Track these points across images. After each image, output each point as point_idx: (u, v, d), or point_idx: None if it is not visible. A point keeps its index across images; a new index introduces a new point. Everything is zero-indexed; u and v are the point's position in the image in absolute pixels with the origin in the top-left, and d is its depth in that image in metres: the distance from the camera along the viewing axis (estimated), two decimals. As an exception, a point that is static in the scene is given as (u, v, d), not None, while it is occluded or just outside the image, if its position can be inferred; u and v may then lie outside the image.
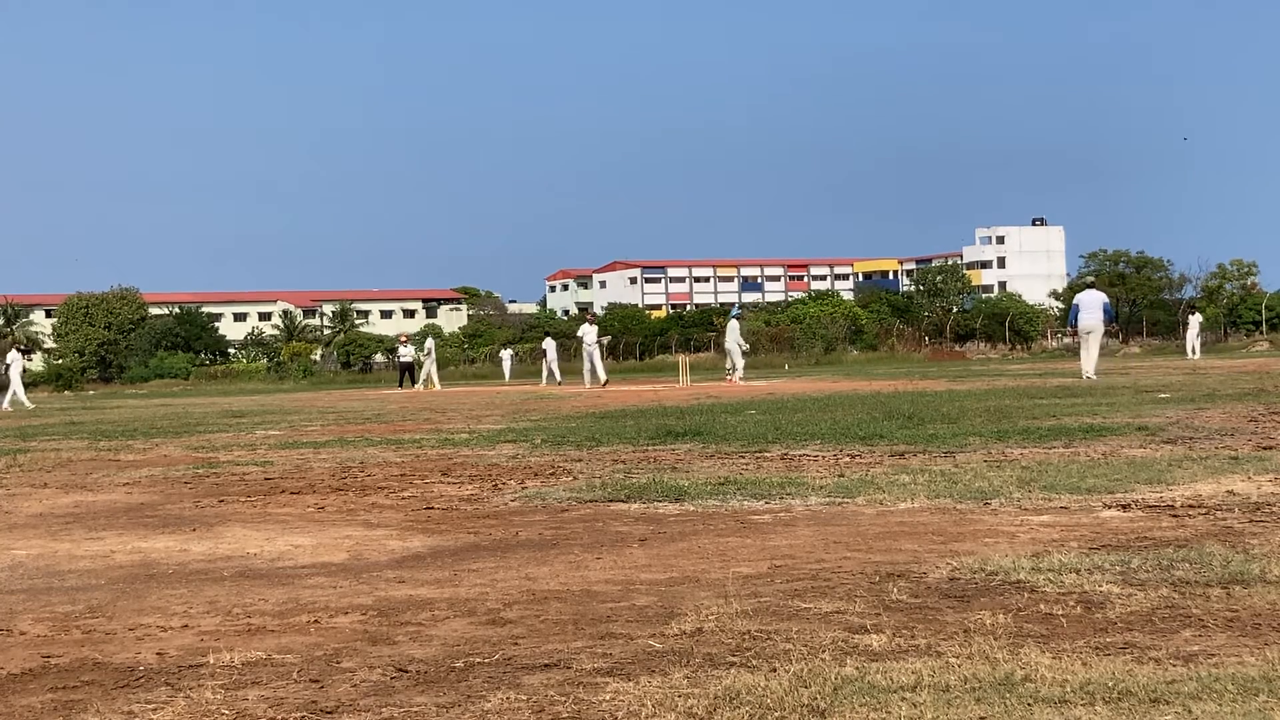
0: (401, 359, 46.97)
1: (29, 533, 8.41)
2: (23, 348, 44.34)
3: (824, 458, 11.14)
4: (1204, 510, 7.34)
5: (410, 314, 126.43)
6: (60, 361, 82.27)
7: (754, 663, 4.35)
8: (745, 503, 8.40)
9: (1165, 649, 4.37)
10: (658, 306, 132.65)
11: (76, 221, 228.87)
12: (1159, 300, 76.62)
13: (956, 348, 70.68)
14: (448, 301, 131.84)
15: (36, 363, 75.75)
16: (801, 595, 5.43)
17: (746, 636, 4.72)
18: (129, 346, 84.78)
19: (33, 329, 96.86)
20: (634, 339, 77.92)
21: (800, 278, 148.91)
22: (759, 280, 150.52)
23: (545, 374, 42.90)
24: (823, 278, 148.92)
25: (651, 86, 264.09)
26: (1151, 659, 4.24)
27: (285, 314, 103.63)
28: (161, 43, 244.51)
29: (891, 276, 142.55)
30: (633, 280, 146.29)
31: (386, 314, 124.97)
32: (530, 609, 5.38)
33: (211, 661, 4.66)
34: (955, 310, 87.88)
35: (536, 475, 10.68)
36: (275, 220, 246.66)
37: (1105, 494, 8.10)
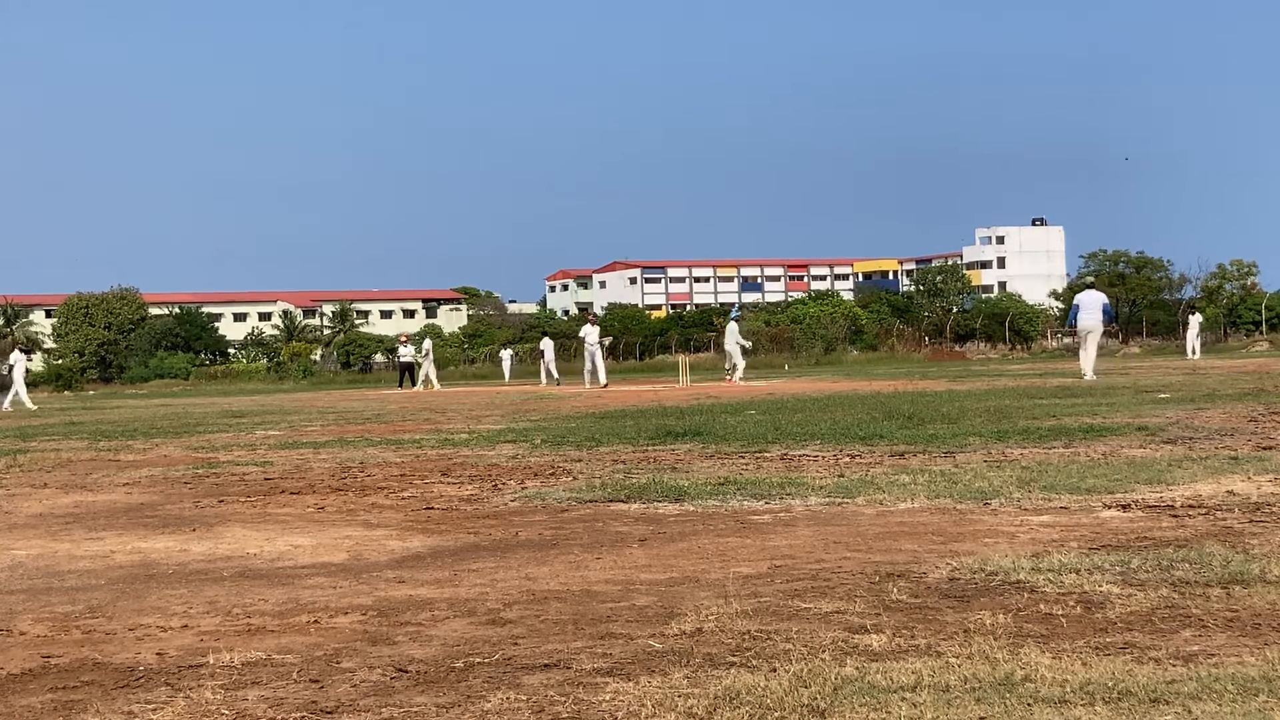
0: (401, 359, 46.95)
1: (29, 533, 8.41)
2: (25, 348, 44.35)
3: (824, 458, 11.14)
4: (1204, 510, 7.34)
5: (410, 314, 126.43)
6: (60, 361, 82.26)
7: (754, 663, 4.35)
8: (745, 503, 8.40)
9: (1165, 649, 4.37)
10: (658, 306, 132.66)
11: (76, 221, 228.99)
12: (1159, 300, 76.61)
13: (956, 348, 70.69)
14: (448, 301, 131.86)
15: (36, 363, 75.73)
16: (801, 595, 5.43)
17: (746, 636, 4.72)
18: (129, 346, 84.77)
19: (33, 329, 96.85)
20: (634, 339, 77.93)
21: (800, 278, 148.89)
22: (759, 280, 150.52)
23: (544, 374, 42.90)
24: (823, 278, 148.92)
25: (652, 87, 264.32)
26: (1151, 659, 4.24)
27: (285, 314, 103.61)
28: (161, 43, 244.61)
29: (891, 276, 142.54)
30: (633, 280, 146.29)
31: (386, 314, 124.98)
32: (530, 609, 5.38)
33: (211, 661, 4.66)
34: (955, 310, 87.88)
35: (536, 475, 10.68)
36: (275, 220, 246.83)
37: (1105, 494, 8.10)
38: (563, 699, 4.03)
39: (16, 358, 37.94)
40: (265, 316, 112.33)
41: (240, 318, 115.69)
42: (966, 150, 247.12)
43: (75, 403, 43.14)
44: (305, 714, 4.01)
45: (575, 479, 10.22)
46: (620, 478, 10.04)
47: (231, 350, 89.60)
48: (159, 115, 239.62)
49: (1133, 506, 7.60)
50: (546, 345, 44.66)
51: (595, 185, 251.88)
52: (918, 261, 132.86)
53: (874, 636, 4.65)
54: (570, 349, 63.35)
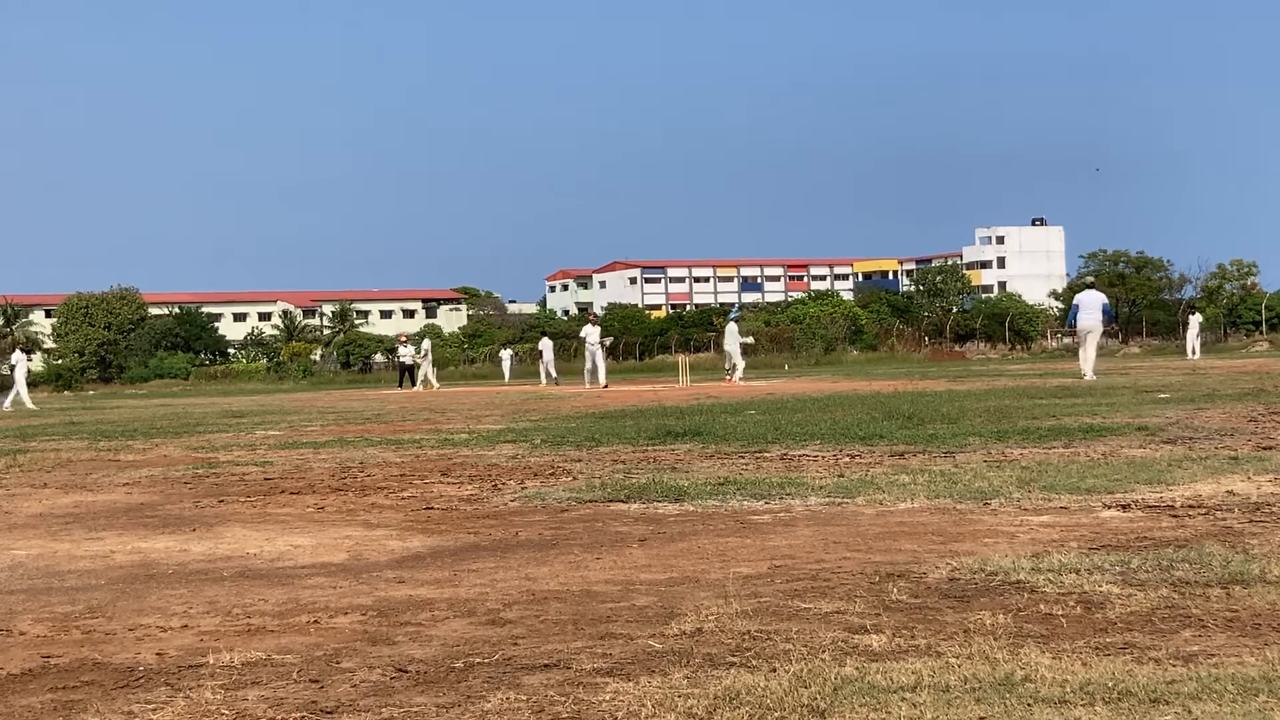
0: (401, 359, 46.95)
1: (29, 533, 8.41)
2: (26, 348, 44.37)
3: (824, 458, 11.14)
4: (1204, 510, 7.34)
5: (410, 314, 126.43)
6: (60, 361, 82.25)
7: (754, 663, 4.35)
8: (745, 503, 8.40)
9: (1165, 649, 4.37)
10: (658, 306, 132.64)
11: (76, 221, 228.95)
12: (1159, 300, 76.60)
13: (956, 348, 70.69)
14: (448, 301, 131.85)
15: (36, 363, 75.73)
16: (801, 595, 5.43)
17: (746, 636, 4.72)
18: (129, 346, 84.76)
19: (33, 329, 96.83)
20: (634, 339, 77.93)
21: (800, 278, 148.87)
22: (759, 280, 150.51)
23: (542, 374, 42.91)
24: (823, 278, 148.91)
25: (651, 87, 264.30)
26: (1151, 659, 4.24)
27: (285, 314, 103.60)
28: (161, 43, 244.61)
29: (891, 276, 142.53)
30: (633, 280, 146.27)
31: (386, 314, 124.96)
32: (530, 609, 5.38)
33: (211, 661, 4.66)
34: (955, 310, 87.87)
35: (536, 475, 10.68)
36: (275, 220, 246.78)
37: (1105, 494, 8.10)
38: (563, 699, 4.03)
39: (18, 358, 37.96)
40: (265, 316, 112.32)
41: (240, 318, 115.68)
42: (966, 150, 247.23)
43: (75, 403, 43.15)
44: (305, 714, 4.01)
45: (575, 479, 10.22)
46: (620, 478, 10.04)
47: (231, 350, 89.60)
48: (159, 115, 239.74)
49: (1133, 506, 7.60)
50: (545, 345, 44.65)
51: (595, 185, 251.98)
52: (918, 261, 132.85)
53: (874, 636, 4.65)
54: (570, 349, 63.37)
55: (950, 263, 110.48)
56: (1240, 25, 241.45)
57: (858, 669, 4.20)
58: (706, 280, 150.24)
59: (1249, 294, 73.92)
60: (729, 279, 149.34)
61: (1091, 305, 26.38)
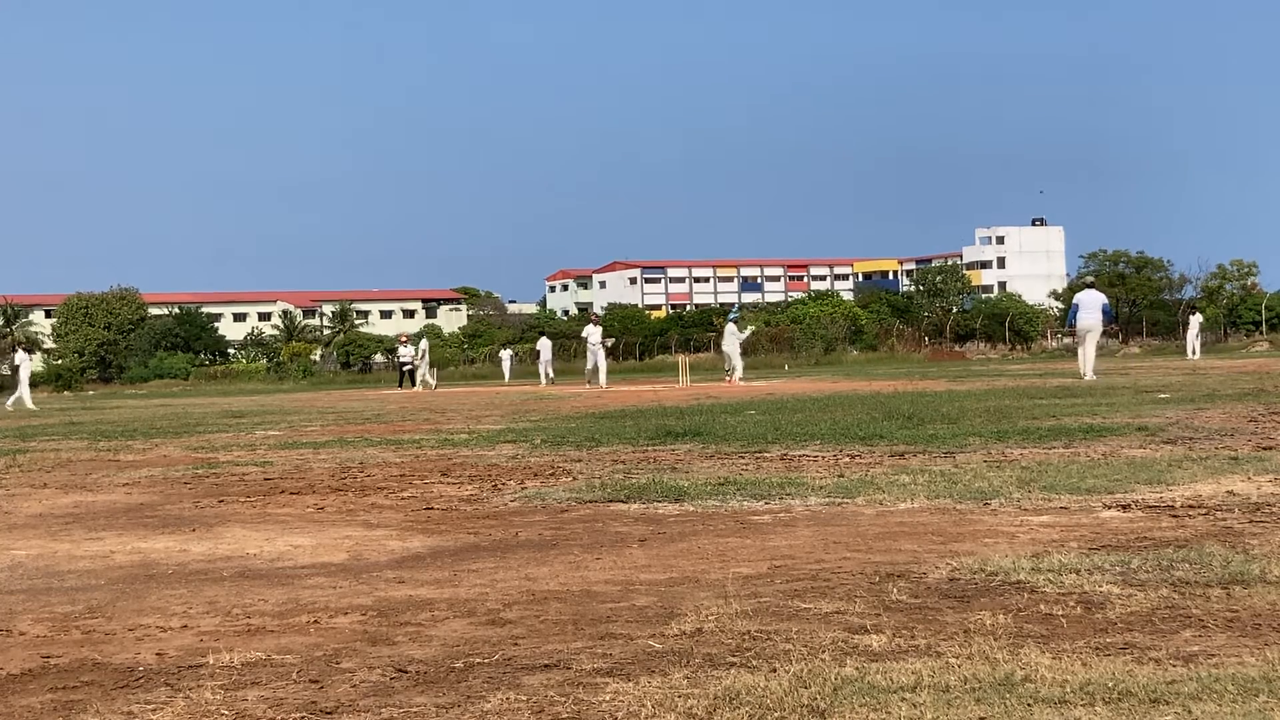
0: (401, 359, 46.95)
1: (29, 533, 8.40)
2: (28, 348, 44.40)
3: (824, 458, 11.14)
4: (1204, 510, 7.34)
5: (410, 314, 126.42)
6: (60, 362, 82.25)
7: (754, 663, 4.35)
8: (745, 503, 8.40)
9: (1165, 649, 4.37)
10: (658, 307, 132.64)
11: (76, 221, 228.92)
12: (1159, 300, 76.59)
13: (956, 348, 70.68)
14: (447, 301, 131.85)
15: (36, 363, 75.74)
16: (801, 595, 5.43)
17: (746, 636, 4.72)
18: (129, 347, 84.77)
19: (32, 329, 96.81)
20: (634, 339, 77.93)
21: (800, 278, 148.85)
22: (759, 280, 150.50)
23: (542, 374, 42.91)
24: (823, 278, 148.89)
25: (651, 87, 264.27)
26: (1151, 659, 4.24)
27: (285, 314, 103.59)
28: (161, 43, 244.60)
29: (891, 276, 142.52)
30: (633, 280, 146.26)
31: (386, 314, 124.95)
32: (530, 609, 5.38)
33: (211, 662, 4.66)
34: (955, 310, 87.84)
35: (536, 475, 10.68)
36: (275, 220, 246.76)
37: (1105, 494, 8.10)
38: (563, 699, 4.03)
39: (22, 358, 38.03)
40: (265, 316, 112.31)
41: (240, 318, 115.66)
42: (966, 150, 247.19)
43: (75, 403, 43.15)
44: (305, 714, 4.01)
45: (575, 479, 10.22)
46: (620, 478, 10.04)
47: (231, 350, 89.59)
48: (159, 115, 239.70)
49: (1133, 506, 7.60)
50: (544, 345, 44.64)
51: (595, 185, 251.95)
52: (918, 261, 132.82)
53: (874, 636, 4.65)
54: (570, 349, 63.38)
55: (950, 263, 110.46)
56: (1240, 25, 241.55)
57: (858, 669, 4.20)
58: (706, 280, 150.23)
59: (1249, 294, 73.91)
60: (729, 279, 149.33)
61: (1091, 305, 26.37)
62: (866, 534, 7.00)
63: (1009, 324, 74.43)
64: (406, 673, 4.43)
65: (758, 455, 11.58)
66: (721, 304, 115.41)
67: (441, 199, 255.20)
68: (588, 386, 35.12)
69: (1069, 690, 3.89)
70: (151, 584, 6.34)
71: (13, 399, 35.99)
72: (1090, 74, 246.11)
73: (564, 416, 19.68)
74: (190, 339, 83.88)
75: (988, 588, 5.44)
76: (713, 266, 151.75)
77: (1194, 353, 44.79)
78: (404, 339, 50.12)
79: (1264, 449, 10.45)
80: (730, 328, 35.82)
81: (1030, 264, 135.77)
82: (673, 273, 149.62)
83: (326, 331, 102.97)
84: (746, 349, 39.82)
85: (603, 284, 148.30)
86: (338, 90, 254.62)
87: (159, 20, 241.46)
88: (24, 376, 37.02)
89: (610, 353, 44.09)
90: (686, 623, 4.97)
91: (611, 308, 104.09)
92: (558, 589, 5.78)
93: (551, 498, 9.02)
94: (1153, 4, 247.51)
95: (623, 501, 8.70)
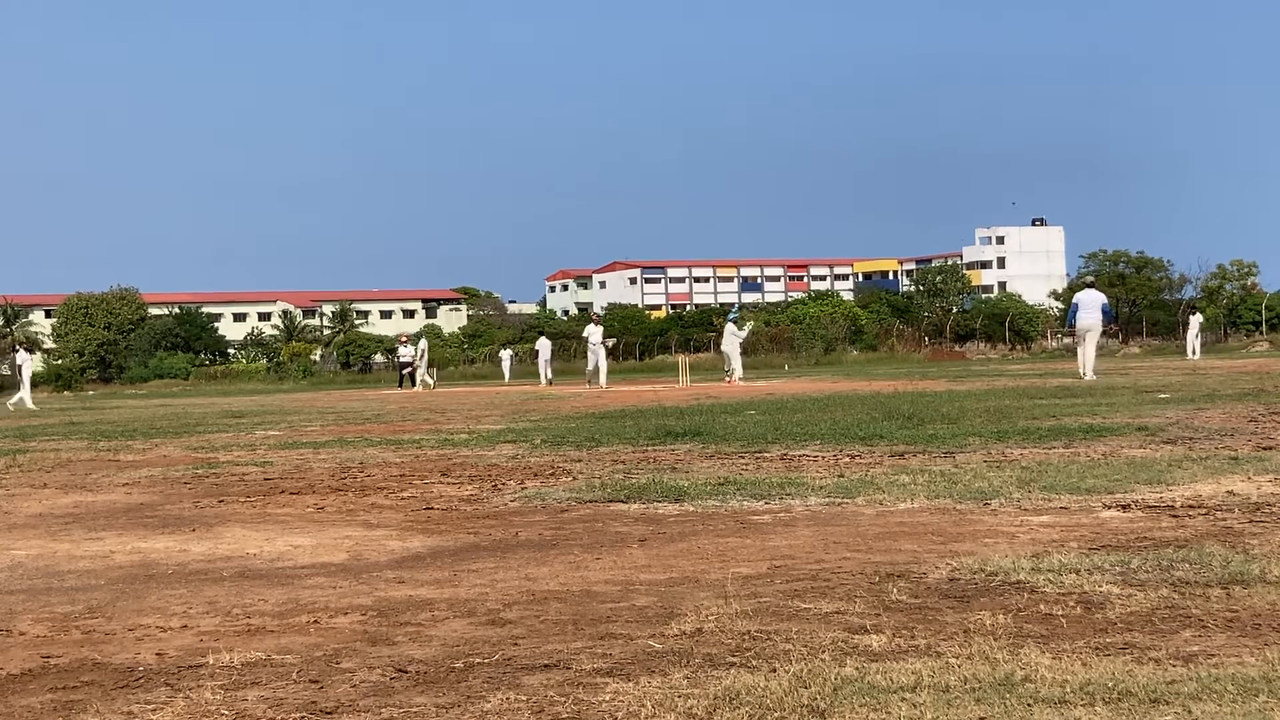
0: (401, 359, 46.94)
1: (29, 533, 8.41)
2: (29, 348, 44.44)
3: (824, 458, 11.14)
4: (1204, 510, 7.34)
5: (410, 314, 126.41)
6: (60, 362, 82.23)
7: (754, 663, 4.35)
8: (745, 503, 8.40)
9: (1165, 649, 4.37)
10: (658, 307, 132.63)
11: (76, 221, 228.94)
12: (1159, 300, 76.59)
13: (956, 348, 70.69)
14: (447, 301, 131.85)
15: (36, 363, 75.75)
16: (801, 595, 5.43)
17: (746, 636, 4.72)
18: (129, 347, 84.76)
19: (32, 329, 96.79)
20: (634, 339, 77.94)
21: (800, 278, 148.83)
22: (759, 280, 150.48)
23: (542, 374, 42.91)
24: (823, 278, 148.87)
25: (652, 87, 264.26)
26: (1151, 659, 4.24)
27: (285, 314, 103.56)
28: (161, 43, 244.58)
29: (891, 276, 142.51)
30: (632, 280, 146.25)
31: (386, 314, 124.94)
32: (530, 609, 5.38)
33: (211, 662, 4.66)
34: (955, 310, 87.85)
35: (536, 475, 10.68)
36: (275, 220, 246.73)
37: (1105, 494, 8.10)
38: (563, 699, 4.03)
39: (24, 358, 38.07)
40: (265, 316, 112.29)
41: (240, 318, 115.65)
42: (966, 150, 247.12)
43: (75, 403, 43.16)
44: (305, 714, 4.01)
45: (575, 479, 10.22)
46: (620, 478, 10.04)
47: (231, 350, 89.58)
48: (159, 115, 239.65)
49: (1133, 506, 7.60)
50: (542, 345, 44.64)
51: (595, 185, 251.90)
52: (918, 261, 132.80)
53: (874, 636, 4.65)
54: (571, 349, 63.37)
55: (950, 263, 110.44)
56: (1240, 25, 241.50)
57: (858, 669, 4.20)
58: (706, 280, 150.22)
59: (1249, 294, 73.91)
60: (729, 279, 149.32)
61: (1091, 304, 26.37)
62: (866, 534, 7.00)
63: (1009, 324, 74.44)
64: (406, 673, 4.43)
65: (758, 455, 11.58)
66: (721, 304, 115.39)
67: (441, 199, 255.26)
68: (588, 386, 35.12)
69: (1069, 690, 3.89)
70: (151, 584, 6.34)
71: (15, 399, 36.04)
72: (1090, 74, 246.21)
73: (564, 416, 19.68)
74: (190, 339, 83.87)
75: (988, 588, 5.44)
76: (713, 266, 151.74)
77: (1194, 353, 44.79)
78: (404, 339, 50.11)
79: (1264, 449, 10.45)
80: (729, 328, 35.82)
81: (1030, 264, 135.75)
82: (673, 273, 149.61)
83: (326, 331, 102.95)
84: (746, 349, 39.83)
85: (603, 284, 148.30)
86: (338, 90, 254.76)
87: (159, 20, 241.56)
88: (27, 375, 37.11)
89: (611, 353, 44.10)
90: (686, 623, 4.97)
91: (611, 308, 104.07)
92: (558, 589, 5.78)
93: (551, 498, 9.02)
94: (1153, 4, 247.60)
95: (623, 501, 8.70)
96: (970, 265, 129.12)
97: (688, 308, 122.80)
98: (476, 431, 16.62)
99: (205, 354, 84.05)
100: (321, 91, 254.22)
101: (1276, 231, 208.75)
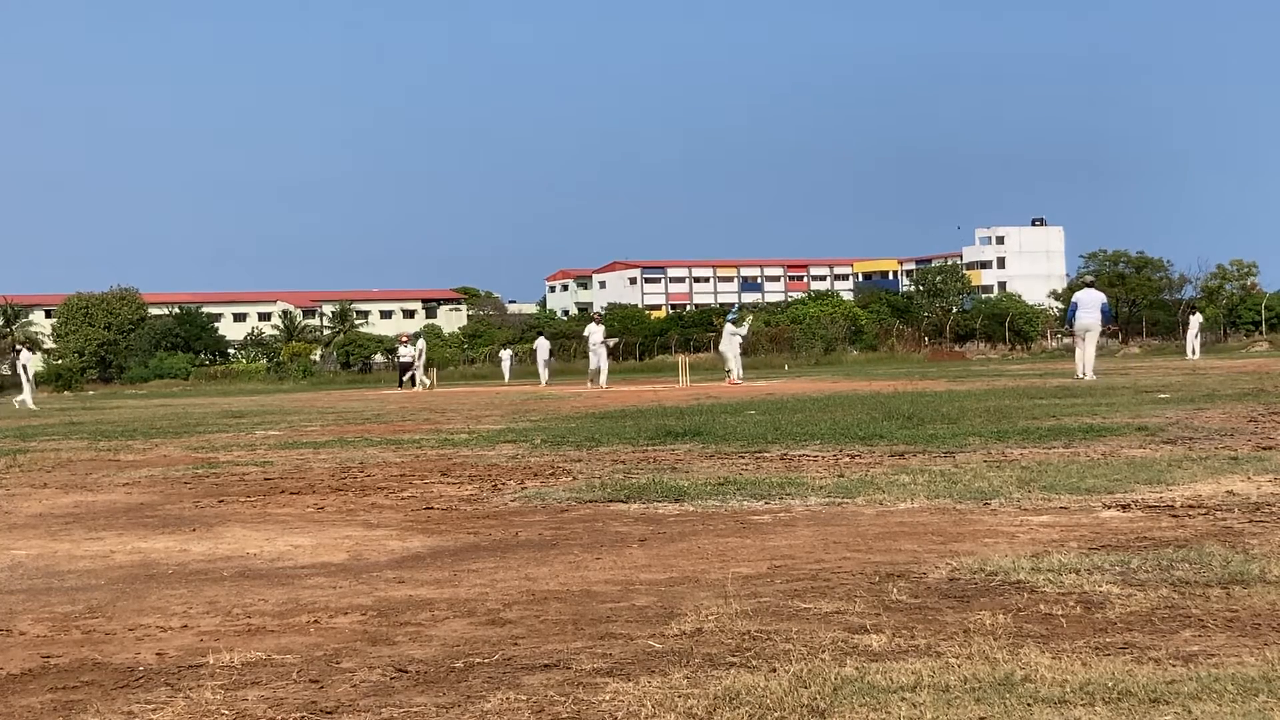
0: (402, 359, 46.92)
1: (29, 533, 8.41)
2: (31, 348, 44.49)
3: (824, 458, 11.14)
4: (1204, 510, 7.34)
5: (410, 314, 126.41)
6: (60, 362, 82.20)
7: (754, 663, 4.35)
8: (745, 503, 8.40)
9: (1165, 649, 4.37)
10: (657, 307, 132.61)
11: (76, 221, 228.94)
12: (1159, 300, 76.59)
13: (956, 348, 70.67)
14: (447, 301, 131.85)
15: (36, 363, 75.75)
16: (801, 595, 5.43)
17: (746, 636, 4.72)
18: (129, 347, 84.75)
19: (32, 329, 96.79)
20: (634, 339, 77.93)
21: (800, 278, 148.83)
22: (759, 280, 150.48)
23: (541, 374, 42.91)
24: (822, 278, 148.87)
25: (652, 87, 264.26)
26: (1151, 659, 4.24)
27: (285, 314, 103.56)
28: (161, 43, 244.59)
29: (891, 277, 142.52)
30: (632, 280, 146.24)
31: (386, 314, 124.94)
32: (530, 609, 5.38)
33: (211, 661, 4.66)
34: (955, 310, 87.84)
35: (536, 475, 10.69)
36: (275, 220, 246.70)
37: (1105, 494, 8.10)
38: (563, 699, 4.04)
39: (27, 357, 38.13)
40: (265, 316, 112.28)
41: (240, 318, 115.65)
42: (966, 150, 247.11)
43: (75, 403, 43.15)
44: (305, 714, 4.01)
45: (575, 479, 10.22)
46: (620, 478, 10.04)
47: (231, 350, 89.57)
48: (159, 115, 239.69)
49: (1133, 506, 7.60)
50: (541, 345, 44.63)
51: (595, 185, 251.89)
52: (918, 261, 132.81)
53: (874, 636, 4.65)
54: (571, 349, 63.36)
55: (950, 263, 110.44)
56: (1240, 25, 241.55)
57: (858, 669, 4.20)
58: (706, 280, 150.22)
59: (1249, 294, 73.90)
60: (729, 279, 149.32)
61: (1090, 304, 26.36)
62: (866, 534, 7.01)
63: (1009, 324, 74.44)
64: (406, 673, 4.43)
65: (758, 455, 11.58)
66: (721, 304, 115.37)
67: (441, 199, 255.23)
68: (589, 386, 35.12)
69: (1069, 690, 3.89)
70: (151, 584, 6.34)
71: (20, 397, 36.15)
72: (1090, 74, 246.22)
73: (564, 416, 19.68)
74: (190, 339, 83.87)
75: (988, 588, 5.44)
76: (713, 266, 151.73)
77: (1194, 353, 44.78)
78: (404, 339, 50.09)
79: (1264, 449, 10.45)
80: (728, 328, 35.82)
81: (1030, 264, 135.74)
82: (673, 273, 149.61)
83: (326, 331, 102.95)
84: (746, 349, 39.80)
85: (603, 284, 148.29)
86: (338, 90, 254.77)
87: (159, 20, 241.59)
88: (31, 374, 37.23)
89: (611, 353, 44.08)
90: (686, 623, 4.97)
91: (611, 308, 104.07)
92: (558, 589, 5.79)
93: (551, 498, 9.02)
94: (1153, 4, 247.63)
95: (623, 501, 8.71)
96: (970, 265, 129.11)
97: (688, 308, 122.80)
98: (476, 431, 16.62)
99: (205, 354, 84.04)
100: (321, 91, 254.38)
101: (1276, 231, 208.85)
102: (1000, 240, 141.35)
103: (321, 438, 16.53)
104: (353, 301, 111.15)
